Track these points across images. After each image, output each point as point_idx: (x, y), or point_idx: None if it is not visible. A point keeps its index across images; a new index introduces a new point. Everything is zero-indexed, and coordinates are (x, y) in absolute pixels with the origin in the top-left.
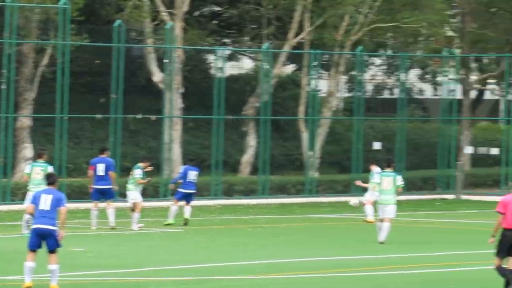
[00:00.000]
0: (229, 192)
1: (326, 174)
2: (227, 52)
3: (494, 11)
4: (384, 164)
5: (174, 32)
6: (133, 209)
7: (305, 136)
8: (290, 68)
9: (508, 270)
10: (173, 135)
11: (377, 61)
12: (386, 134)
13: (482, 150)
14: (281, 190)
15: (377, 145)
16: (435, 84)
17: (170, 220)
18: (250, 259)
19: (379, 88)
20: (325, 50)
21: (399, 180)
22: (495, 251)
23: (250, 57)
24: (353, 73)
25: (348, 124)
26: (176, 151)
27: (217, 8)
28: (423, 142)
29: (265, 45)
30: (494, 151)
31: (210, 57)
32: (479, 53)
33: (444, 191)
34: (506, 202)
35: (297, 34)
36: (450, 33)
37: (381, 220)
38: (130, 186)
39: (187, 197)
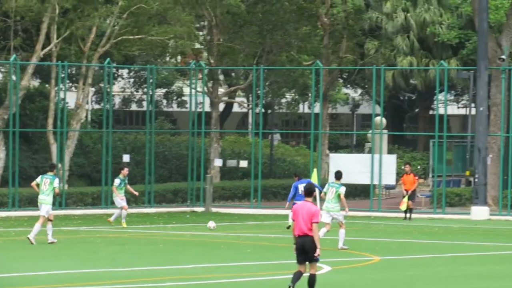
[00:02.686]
0: None
1: (76, 187)
2: None
3: (241, 24)
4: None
5: None
6: None
7: (54, 148)
8: (38, 80)
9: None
10: None
11: (125, 73)
12: (135, 146)
13: (232, 162)
14: (30, 203)
15: (126, 158)
16: (182, 100)
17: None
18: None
19: (127, 100)
20: (73, 62)
21: None
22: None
23: None
24: (101, 85)
25: (97, 137)
26: None
27: None
28: (173, 154)
29: (13, 56)
30: (243, 163)
31: None
32: (227, 65)
33: (194, 203)
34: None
35: (44, 46)
36: (198, 46)
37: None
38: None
39: None
